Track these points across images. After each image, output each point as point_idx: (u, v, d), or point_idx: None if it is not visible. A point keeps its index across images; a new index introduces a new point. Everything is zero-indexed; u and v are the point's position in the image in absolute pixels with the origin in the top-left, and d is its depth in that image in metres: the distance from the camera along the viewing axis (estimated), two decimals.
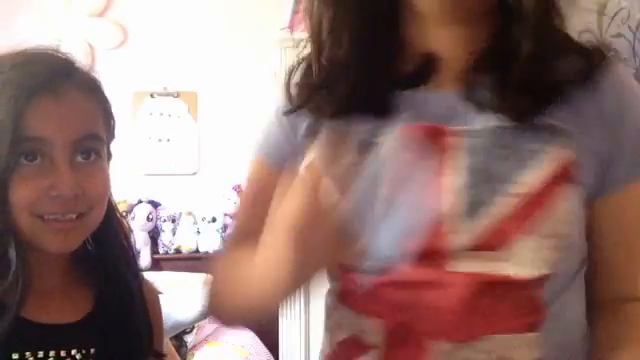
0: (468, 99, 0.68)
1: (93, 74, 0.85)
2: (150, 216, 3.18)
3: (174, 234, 3.22)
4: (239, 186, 3.19)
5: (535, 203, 0.66)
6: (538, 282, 0.66)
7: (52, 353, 0.77)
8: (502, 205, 0.66)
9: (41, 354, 0.77)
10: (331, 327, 0.77)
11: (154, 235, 3.23)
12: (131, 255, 0.90)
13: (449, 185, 0.67)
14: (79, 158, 0.78)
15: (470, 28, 0.71)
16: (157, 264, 3.18)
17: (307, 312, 2.36)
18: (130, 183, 3.21)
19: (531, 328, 0.68)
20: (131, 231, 3.01)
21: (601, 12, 3.45)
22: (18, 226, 0.75)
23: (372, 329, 0.71)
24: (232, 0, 3.32)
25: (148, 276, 3.02)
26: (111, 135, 0.86)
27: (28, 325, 0.76)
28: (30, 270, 0.75)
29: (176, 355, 2.49)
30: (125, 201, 3.17)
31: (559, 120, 0.67)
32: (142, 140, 3.33)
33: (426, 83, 0.71)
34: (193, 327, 2.60)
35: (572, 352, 0.71)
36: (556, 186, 0.66)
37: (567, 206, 0.66)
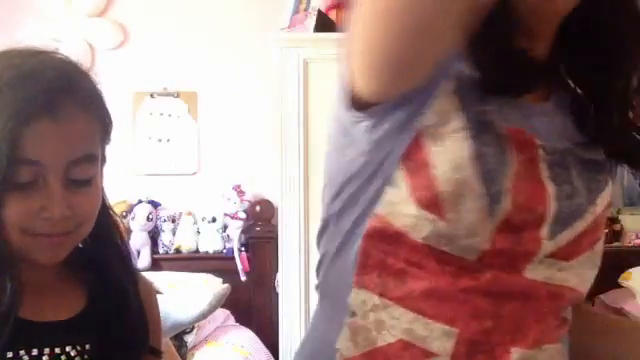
0: (577, 125, 0.72)
1: (93, 80, 0.84)
2: (150, 216, 3.18)
3: (174, 234, 3.22)
4: (239, 186, 3.20)
5: (600, 224, 0.72)
6: (584, 296, 0.74)
7: (47, 351, 0.78)
8: (585, 221, 0.70)
9: (35, 352, 0.77)
10: (366, 327, 0.70)
11: (154, 235, 3.22)
12: (125, 253, 0.90)
13: (552, 193, 0.68)
14: (72, 178, 0.77)
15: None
16: (157, 264, 3.18)
17: (307, 311, 2.36)
18: (130, 183, 3.21)
19: (562, 339, 0.72)
20: (130, 231, 3.00)
21: None
22: (7, 240, 0.75)
23: (439, 335, 0.67)
24: (232, 0, 3.32)
25: (148, 276, 3.02)
26: (107, 140, 0.86)
27: (22, 324, 0.76)
28: (22, 270, 0.76)
29: (176, 355, 2.49)
30: (125, 201, 3.18)
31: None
32: (142, 140, 3.33)
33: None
34: (193, 327, 2.60)
35: None
36: (605, 213, 0.73)
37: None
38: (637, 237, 3.59)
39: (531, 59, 0.69)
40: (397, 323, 0.68)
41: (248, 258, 3.12)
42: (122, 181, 3.24)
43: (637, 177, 3.67)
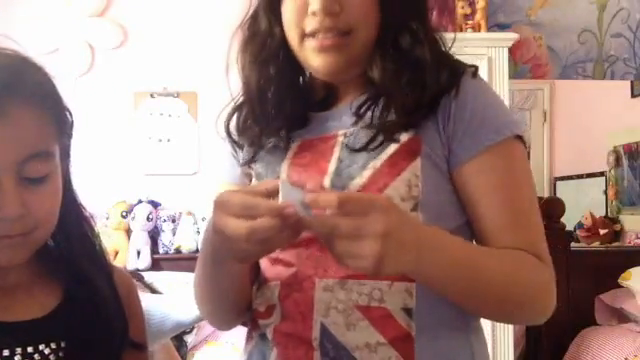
0: (355, 115, 0.92)
1: (45, 74, 0.80)
2: (150, 216, 3.18)
3: (174, 234, 3.22)
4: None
5: (383, 174, 0.86)
6: None
7: (19, 350, 0.76)
8: (362, 178, 0.86)
9: (7, 352, 0.76)
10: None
11: (154, 235, 3.22)
12: (96, 248, 0.88)
13: (330, 169, 0.89)
14: (25, 176, 0.75)
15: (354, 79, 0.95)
16: (157, 264, 3.18)
17: None
18: (130, 183, 3.21)
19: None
20: (130, 231, 2.99)
21: (601, 12, 3.45)
22: None
23: (273, 289, 0.90)
24: (232, 0, 3.32)
25: (148, 276, 3.01)
26: (67, 136, 0.83)
27: None
28: None
29: (176, 355, 2.49)
30: (125, 201, 3.17)
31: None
32: (142, 140, 3.32)
33: (330, 107, 0.96)
34: (193, 327, 2.60)
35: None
36: (402, 161, 0.86)
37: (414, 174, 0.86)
38: (637, 237, 3.59)
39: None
40: (260, 294, 0.93)
41: None
42: (122, 181, 3.24)
43: (637, 177, 3.67)
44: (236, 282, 0.92)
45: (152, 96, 3.33)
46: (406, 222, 0.74)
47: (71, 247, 0.85)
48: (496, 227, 0.88)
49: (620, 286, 3.01)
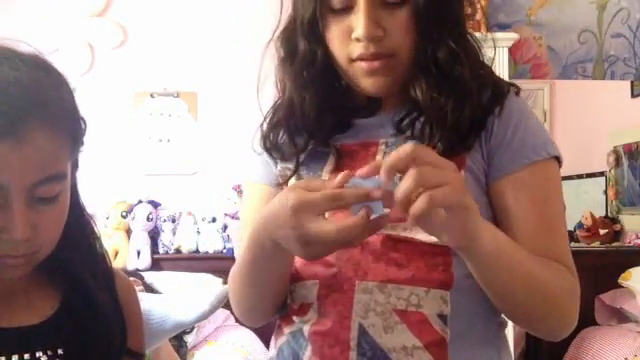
0: (396, 129, 0.95)
1: (65, 87, 0.77)
2: (150, 216, 3.18)
3: (174, 234, 3.22)
4: (239, 186, 3.19)
5: None
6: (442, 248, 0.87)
7: (15, 357, 0.75)
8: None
9: (3, 359, 0.75)
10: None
11: (154, 235, 3.22)
12: (99, 255, 0.87)
13: None
14: (37, 197, 0.73)
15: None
16: (157, 264, 3.17)
17: None
18: (130, 183, 3.21)
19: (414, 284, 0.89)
20: (130, 231, 2.99)
21: (601, 12, 3.45)
22: None
23: (310, 288, 0.92)
24: (232, 0, 3.32)
25: (148, 276, 3.01)
26: (79, 148, 0.80)
27: None
28: None
29: (175, 355, 2.49)
30: (125, 201, 3.17)
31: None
32: (142, 140, 3.32)
33: (371, 114, 0.99)
34: (193, 327, 2.60)
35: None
36: None
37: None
38: (637, 237, 3.59)
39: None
40: (295, 295, 0.95)
41: None
42: (122, 181, 3.24)
43: (637, 177, 3.67)
44: (287, 272, 0.93)
45: (152, 96, 3.33)
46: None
47: (70, 253, 0.83)
48: (528, 236, 0.91)
49: (620, 286, 3.01)
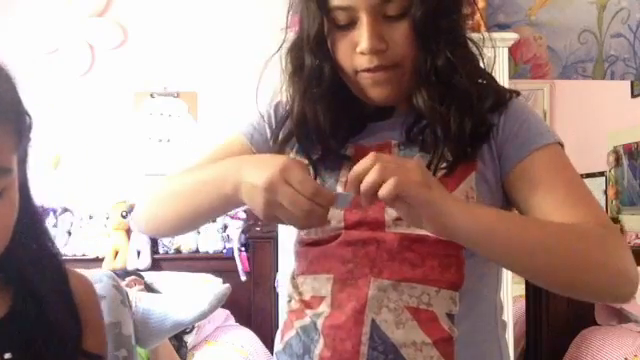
0: (405, 136, 0.98)
1: (8, 83, 0.74)
2: None
3: None
4: None
5: (444, 184, 0.89)
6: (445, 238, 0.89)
7: None
8: None
9: None
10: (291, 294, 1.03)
11: None
12: (51, 255, 0.84)
13: None
14: None
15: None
16: (157, 264, 3.17)
17: None
18: (130, 183, 3.20)
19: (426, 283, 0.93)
20: (130, 231, 2.97)
21: (601, 12, 3.44)
22: None
23: (324, 282, 0.96)
24: (232, 0, 3.32)
25: (148, 276, 3.01)
26: (26, 141, 0.77)
27: None
28: None
29: (175, 355, 2.49)
30: (125, 201, 3.17)
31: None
32: (142, 140, 3.32)
33: (385, 117, 1.02)
34: (193, 327, 2.60)
35: None
36: (460, 174, 0.93)
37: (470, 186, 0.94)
38: (637, 237, 3.59)
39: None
40: (306, 287, 0.99)
41: (248, 258, 3.12)
42: (122, 181, 3.24)
43: (637, 177, 3.67)
44: (214, 217, 1.00)
45: (152, 96, 3.33)
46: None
47: (20, 253, 0.79)
48: (556, 206, 0.91)
49: None
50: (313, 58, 0.99)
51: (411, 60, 0.95)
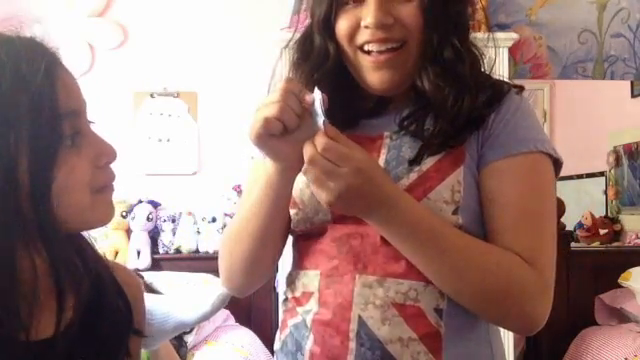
0: (399, 127, 0.99)
1: None
2: (150, 216, 3.18)
3: (174, 234, 3.22)
4: (239, 186, 3.19)
5: (428, 178, 0.93)
6: None
7: None
8: (409, 179, 0.93)
9: None
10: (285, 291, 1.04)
11: (154, 235, 3.22)
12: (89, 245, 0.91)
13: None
14: None
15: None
16: (157, 264, 3.17)
17: None
18: (130, 183, 3.20)
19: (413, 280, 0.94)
20: (130, 231, 2.98)
21: (601, 12, 3.45)
22: None
23: (312, 279, 0.97)
24: (232, 0, 3.32)
25: (148, 276, 3.00)
26: None
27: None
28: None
29: (175, 355, 2.49)
30: (125, 201, 3.17)
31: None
32: (142, 140, 3.32)
33: (377, 114, 1.02)
34: (193, 327, 2.60)
35: None
36: (448, 167, 0.93)
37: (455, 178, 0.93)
38: (637, 237, 3.59)
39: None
40: (297, 283, 1.00)
41: None
42: (122, 181, 3.23)
43: (637, 177, 3.67)
44: (287, 205, 0.98)
45: (152, 96, 3.33)
46: (372, 181, 0.85)
47: (83, 244, 0.89)
48: (501, 228, 0.93)
49: (620, 286, 3.01)
50: (320, 39, 0.99)
51: (416, 40, 0.95)
